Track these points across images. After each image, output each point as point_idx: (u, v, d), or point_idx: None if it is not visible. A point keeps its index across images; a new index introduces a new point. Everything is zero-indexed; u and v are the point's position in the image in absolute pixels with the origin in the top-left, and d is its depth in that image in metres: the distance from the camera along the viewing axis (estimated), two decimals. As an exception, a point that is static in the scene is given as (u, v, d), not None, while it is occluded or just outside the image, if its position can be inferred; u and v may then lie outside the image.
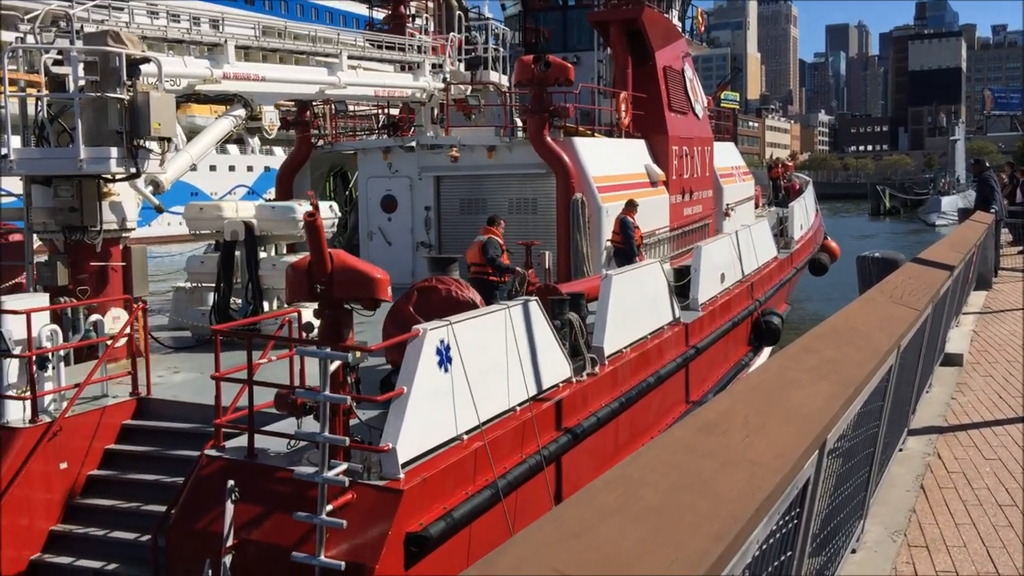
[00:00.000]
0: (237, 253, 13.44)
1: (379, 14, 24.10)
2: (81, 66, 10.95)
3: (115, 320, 11.36)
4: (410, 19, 23.06)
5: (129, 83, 10.79)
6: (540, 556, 1.78)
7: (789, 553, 2.95)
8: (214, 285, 13.66)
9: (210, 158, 61.43)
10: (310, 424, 8.55)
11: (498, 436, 9.35)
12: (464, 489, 8.73)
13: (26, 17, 11.33)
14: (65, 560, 9.07)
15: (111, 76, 10.77)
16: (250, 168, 64.13)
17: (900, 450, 7.30)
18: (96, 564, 8.98)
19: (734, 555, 2.02)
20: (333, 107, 20.26)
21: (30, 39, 11.03)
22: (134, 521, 9.26)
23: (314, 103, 19.70)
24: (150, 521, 9.14)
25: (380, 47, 18.58)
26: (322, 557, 7.42)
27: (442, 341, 8.73)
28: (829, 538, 4.42)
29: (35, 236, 11.71)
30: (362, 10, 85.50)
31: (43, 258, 11.55)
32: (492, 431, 9.28)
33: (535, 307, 10.79)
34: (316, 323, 8.52)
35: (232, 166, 63.09)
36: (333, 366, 7.62)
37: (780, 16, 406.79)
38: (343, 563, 7.36)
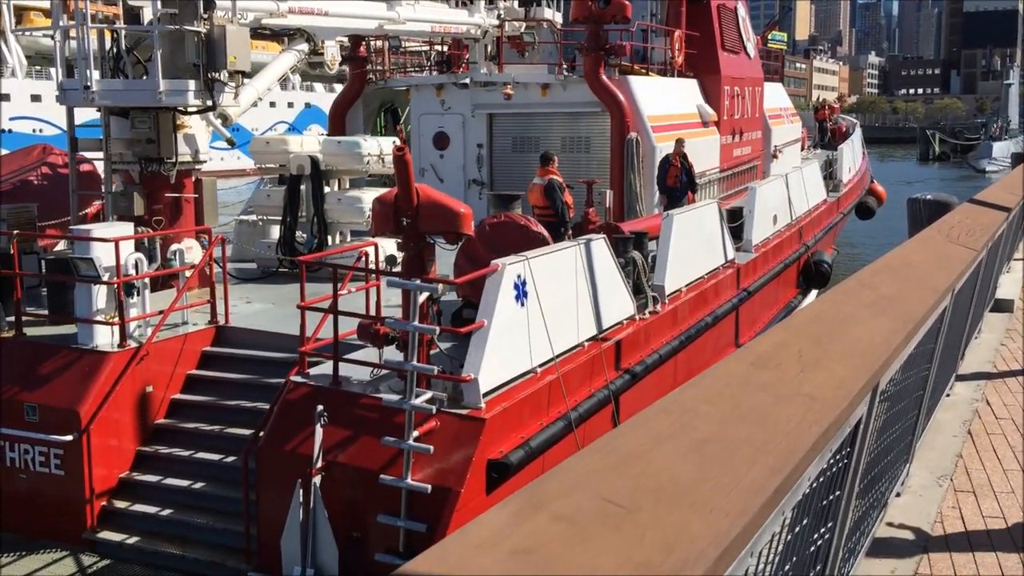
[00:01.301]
0: (302, 187, 13.63)
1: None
2: (157, -1, 11.07)
3: (188, 251, 11.64)
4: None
5: (206, 16, 10.90)
6: (589, 482, 1.73)
7: (838, 492, 2.91)
8: (279, 219, 13.89)
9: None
10: (389, 354, 8.83)
11: (569, 370, 9.57)
12: (539, 420, 8.99)
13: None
14: (153, 479, 9.48)
15: (188, 9, 10.88)
16: (291, 104, 64.21)
17: (947, 395, 7.28)
18: (183, 483, 9.38)
19: (789, 489, 1.99)
20: (386, 43, 20.22)
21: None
22: (217, 444, 9.62)
23: (368, 39, 19.70)
24: (233, 444, 9.52)
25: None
26: (409, 480, 7.73)
27: (519, 276, 8.92)
28: (875, 481, 4.39)
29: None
30: None
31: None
32: (563, 364, 9.51)
33: (602, 245, 10.93)
34: (399, 256, 8.72)
35: (273, 102, 63.18)
36: (422, 298, 7.83)
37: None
38: (429, 486, 7.67)
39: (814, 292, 21.23)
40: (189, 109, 11.23)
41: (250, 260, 14.16)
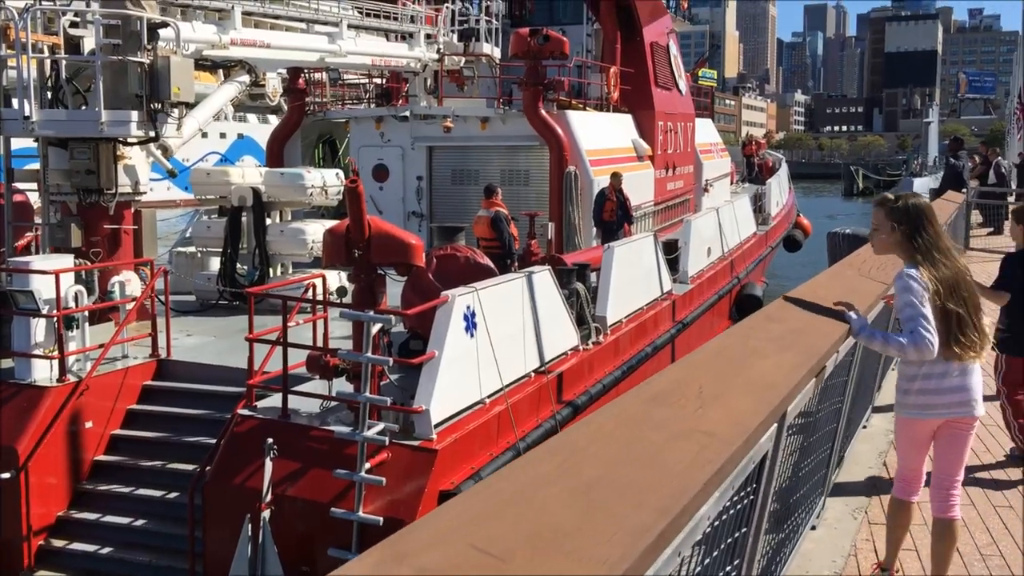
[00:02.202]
0: (243, 219, 13.54)
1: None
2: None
3: (128, 283, 11.45)
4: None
5: (149, 47, 10.83)
6: (462, 530, 1.64)
7: (744, 529, 2.83)
8: (219, 250, 13.76)
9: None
10: (338, 386, 8.82)
11: (517, 400, 9.67)
12: (488, 450, 9.05)
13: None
14: (92, 516, 9.26)
15: (132, 40, 10.80)
16: (223, 135, 63.41)
17: (864, 427, 7.41)
18: (124, 520, 9.19)
19: (680, 531, 1.92)
20: (325, 75, 20.27)
21: (46, 3, 11.01)
22: (159, 480, 9.47)
23: (306, 71, 19.72)
24: (175, 480, 9.37)
25: (377, 16, 18.60)
26: (360, 513, 7.71)
27: (468, 307, 9.01)
28: (788, 514, 4.36)
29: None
30: None
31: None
32: (511, 395, 9.59)
33: (547, 277, 11.09)
34: (349, 287, 8.74)
35: (205, 133, 62.33)
36: (375, 329, 7.86)
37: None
38: (381, 519, 7.65)
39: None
40: (131, 140, 11.10)
41: (188, 293, 13.98)
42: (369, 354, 7.71)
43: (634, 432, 2.28)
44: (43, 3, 10.86)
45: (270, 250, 13.49)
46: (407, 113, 19.54)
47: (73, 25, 11.13)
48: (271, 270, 13.57)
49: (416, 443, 8.18)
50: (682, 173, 25.36)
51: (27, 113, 10.31)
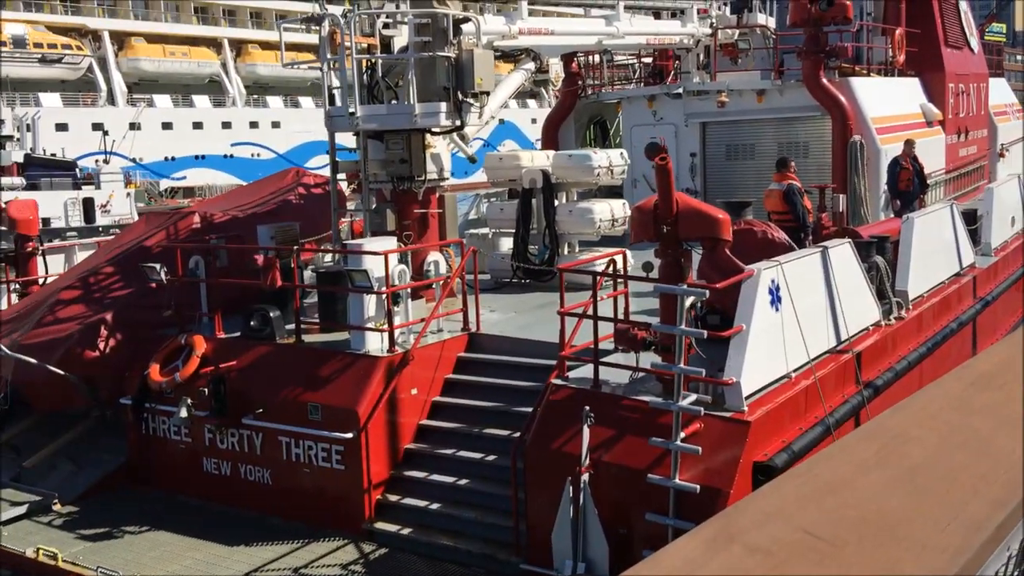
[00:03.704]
0: (534, 200, 14.16)
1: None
2: (406, 29, 11.87)
3: (429, 264, 12.35)
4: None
5: (454, 41, 11.59)
6: (786, 513, 1.60)
7: None
8: (510, 231, 14.48)
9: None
10: (645, 358, 9.09)
11: (824, 375, 9.52)
12: (797, 424, 8.99)
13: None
14: (421, 475, 10.14)
15: (438, 36, 11.61)
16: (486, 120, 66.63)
17: None
18: (449, 479, 9.99)
19: (1013, 526, 1.78)
20: (602, 58, 20.66)
21: (364, 8, 12.04)
22: (478, 444, 10.19)
23: (579, 54, 20.17)
24: (492, 444, 10.07)
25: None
26: (677, 480, 7.94)
27: (773, 281, 8.99)
28: None
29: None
30: None
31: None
32: (818, 369, 9.46)
33: (847, 250, 10.80)
34: (655, 262, 8.97)
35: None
36: (688, 302, 8.04)
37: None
38: (698, 486, 7.85)
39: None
40: (440, 130, 11.94)
41: (482, 272, 14.81)
42: (683, 326, 7.91)
43: (959, 417, 2.16)
44: (361, 8, 11.89)
45: (559, 230, 14.01)
46: (680, 90, 19.50)
47: (385, 27, 12.12)
48: (560, 249, 14.10)
49: (728, 415, 8.29)
50: (975, 138, 23.53)
51: (351, 110, 11.36)
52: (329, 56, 11.78)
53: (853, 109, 17.46)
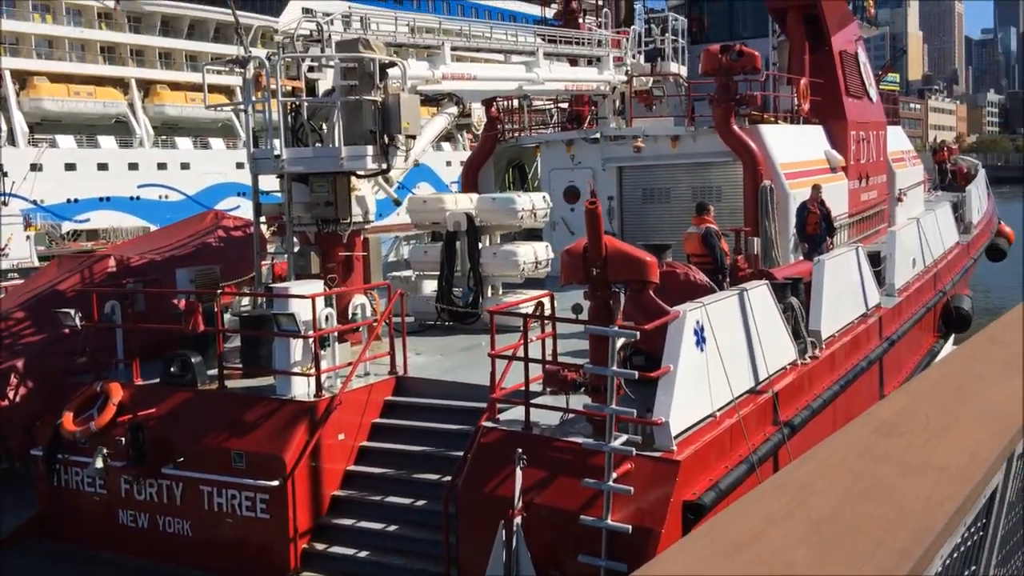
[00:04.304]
0: (458, 243, 14.23)
1: (550, 12, 24.70)
2: (332, 72, 11.89)
3: (355, 307, 12.27)
4: (581, 13, 23.54)
5: (380, 85, 11.65)
6: (700, 572, 1.60)
7: (973, 568, 2.67)
8: (434, 274, 14.50)
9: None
10: (574, 400, 9.19)
11: (746, 413, 9.76)
12: (723, 463, 9.18)
13: (280, 32, 12.37)
14: (348, 522, 9.98)
15: (364, 80, 11.65)
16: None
17: None
18: (378, 526, 9.86)
19: (920, 574, 1.80)
20: (521, 103, 20.99)
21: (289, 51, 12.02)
22: (406, 489, 10.09)
23: (498, 99, 20.47)
24: (421, 489, 9.98)
25: (569, 43, 19.12)
26: (609, 520, 8.02)
27: (698, 322, 9.22)
28: (1013, 551, 4.04)
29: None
30: (518, 8, 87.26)
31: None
32: (740, 408, 9.70)
33: (765, 291, 11.15)
34: (583, 304, 9.11)
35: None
36: (620, 343, 8.18)
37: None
38: (630, 527, 7.93)
39: (952, 338, 20.86)
40: (365, 172, 11.94)
41: (406, 315, 14.77)
42: (615, 367, 8.04)
43: (863, 465, 2.17)
44: (287, 52, 11.86)
45: (483, 272, 14.11)
46: (598, 135, 19.95)
47: (310, 70, 12.11)
48: (484, 291, 14.17)
49: (658, 454, 8.42)
50: (875, 183, 24.62)
51: (277, 152, 11.29)
52: (255, 98, 11.69)
53: (763, 155, 18.12)
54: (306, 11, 74.36)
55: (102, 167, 63.57)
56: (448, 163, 78.46)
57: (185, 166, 67.72)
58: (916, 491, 2.04)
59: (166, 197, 66.11)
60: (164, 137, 68.63)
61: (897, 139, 28.90)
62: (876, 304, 15.57)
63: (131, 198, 64.88)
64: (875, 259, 17.29)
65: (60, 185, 59.86)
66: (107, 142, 65.01)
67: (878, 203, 24.84)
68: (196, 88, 70.46)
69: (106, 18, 68.53)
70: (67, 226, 60.52)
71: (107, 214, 62.87)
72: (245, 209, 42.08)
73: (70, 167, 61.91)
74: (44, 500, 11.18)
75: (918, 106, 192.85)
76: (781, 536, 1.74)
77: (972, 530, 2.47)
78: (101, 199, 63.12)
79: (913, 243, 18.66)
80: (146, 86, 68.68)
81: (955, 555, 2.25)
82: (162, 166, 66.60)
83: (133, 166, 65.20)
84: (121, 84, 67.13)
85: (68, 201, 61.13)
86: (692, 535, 1.77)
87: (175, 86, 69.60)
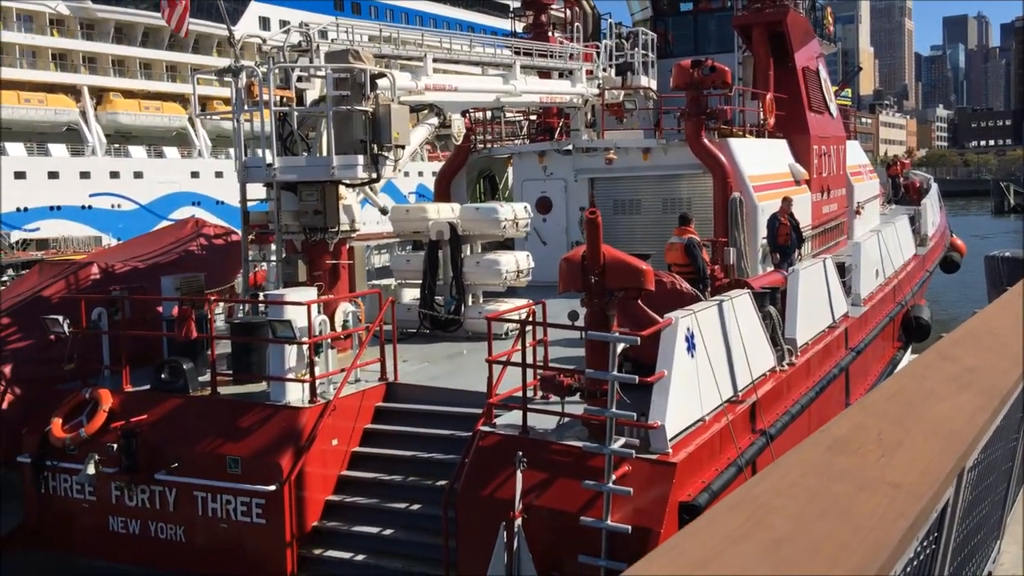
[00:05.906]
0: (440, 252, 14.39)
1: (519, 25, 24.98)
2: (320, 82, 12.02)
3: (347, 314, 12.39)
4: (550, 27, 23.88)
5: (371, 96, 11.81)
6: None
7: None
8: (416, 282, 14.65)
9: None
10: (568, 404, 9.41)
11: (733, 417, 10.07)
12: (713, 465, 9.47)
13: (270, 43, 12.47)
14: (344, 527, 10.07)
15: (355, 90, 11.80)
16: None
17: None
18: (374, 530, 9.96)
19: None
20: (495, 114, 21.23)
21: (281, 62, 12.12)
22: (400, 493, 10.21)
23: (470, 111, 20.69)
24: (415, 493, 10.12)
25: (544, 56, 19.41)
26: (609, 521, 8.24)
27: (689, 328, 9.51)
28: (964, 562, 4.14)
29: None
30: (487, 21, 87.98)
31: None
32: (727, 412, 10.00)
33: (747, 300, 11.50)
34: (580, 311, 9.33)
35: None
36: (619, 348, 8.42)
37: (894, 9, 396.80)
38: (630, 527, 8.16)
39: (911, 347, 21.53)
40: (355, 181, 12.07)
41: (388, 323, 14.88)
42: (615, 372, 8.28)
43: (819, 483, 2.21)
44: (278, 63, 11.97)
45: (466, 280, 14.28)
46: (570, 147, 20.27)
47: (299, 79, 12.23)
48: (466, 299, 14.35)
49: (654, 457, 8.67)
50: (836, 196, 25.29)
51: (269, 161, 11.38)
52: (247, 107, 11.77)
53: (732, 168, 18.57)
54: (262, 19, 73.85)
55: (53, 175, 62.49)
56: (406, 174, 78.41)
57: (138, 175, 66.80)
58: (871, 508, 2.08)
59: (119, 206, 65.17)
60: (117, 145, 67.62)
61: (855, 153, 29.70)
62: (844, 313, 16.05)
63: (83, 207, 63.84)
64: (841, 270, 17.83)
65: (9, 193, 58.71)
66: (58, 150, 63.91)
67: (838, 215, 25.50)
68: (150, 96, 69.73)
69: (58, 24, 67.48)
70: (16, 235, 59.34)
71: (58, 223, 61.77)
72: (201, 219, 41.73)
73: (20, 175, 60.76)
74: (31, 508, 11.08)
75: (869, 121, 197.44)
76: (740, 556, 1.76)
77: (925, 544, 2.51)
78: (52, 208, 62.05)
79: (876, 255, 19.25)
80: (99, 93, 67.70)
81: (908, 569, 2.29)
82: (115, 175, 65.63)
83: (85, 175, 64.17)
84: (73, 91, 66.07)
85: (17, 210, 59.98)
86: (651, 555, 1.77)
87: (129, 94, 68.70)
